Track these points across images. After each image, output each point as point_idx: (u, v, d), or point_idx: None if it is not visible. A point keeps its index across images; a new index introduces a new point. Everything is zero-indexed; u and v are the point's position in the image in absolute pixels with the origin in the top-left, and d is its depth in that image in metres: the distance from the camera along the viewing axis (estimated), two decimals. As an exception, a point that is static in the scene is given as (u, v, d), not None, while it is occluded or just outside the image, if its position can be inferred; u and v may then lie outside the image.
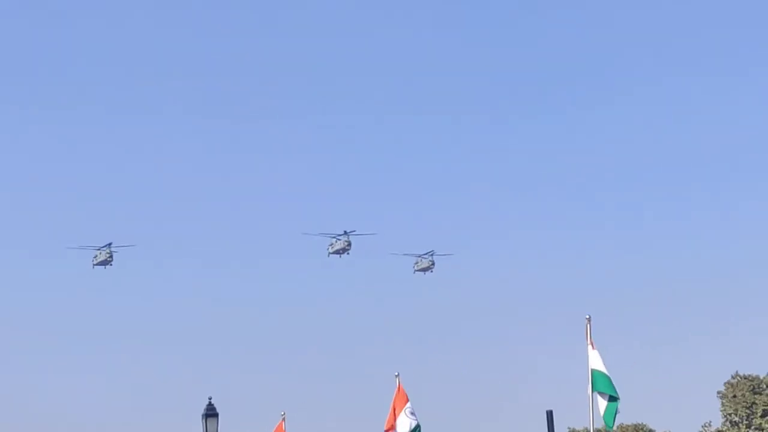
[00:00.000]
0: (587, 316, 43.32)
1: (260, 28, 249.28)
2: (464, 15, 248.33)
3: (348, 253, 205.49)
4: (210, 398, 59.50)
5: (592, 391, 42.48)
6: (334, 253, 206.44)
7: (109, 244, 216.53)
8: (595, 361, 42.43)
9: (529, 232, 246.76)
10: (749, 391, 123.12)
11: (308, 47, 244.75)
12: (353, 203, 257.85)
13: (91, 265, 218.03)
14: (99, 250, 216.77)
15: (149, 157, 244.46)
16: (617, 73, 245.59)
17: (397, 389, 49.87)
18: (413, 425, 49.66)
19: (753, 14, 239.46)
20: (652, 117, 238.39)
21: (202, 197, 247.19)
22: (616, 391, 42.09)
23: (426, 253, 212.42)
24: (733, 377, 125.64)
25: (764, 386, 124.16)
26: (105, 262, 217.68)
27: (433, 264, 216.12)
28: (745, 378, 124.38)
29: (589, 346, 42.81)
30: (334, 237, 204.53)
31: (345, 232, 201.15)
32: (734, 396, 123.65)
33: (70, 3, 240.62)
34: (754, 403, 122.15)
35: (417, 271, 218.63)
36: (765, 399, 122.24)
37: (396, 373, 50.89)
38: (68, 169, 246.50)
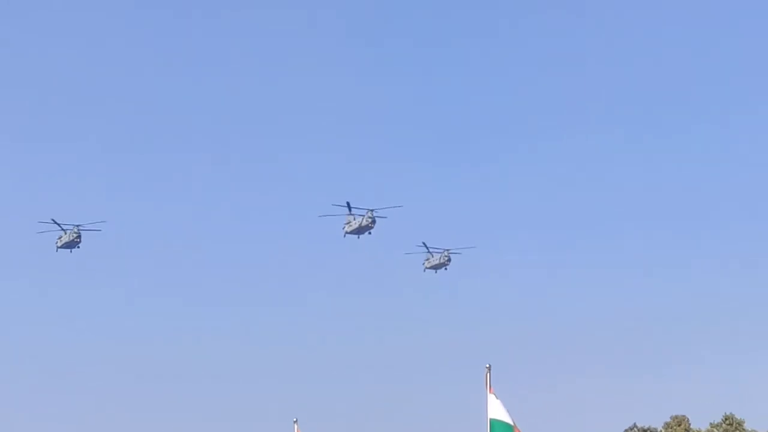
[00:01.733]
0: (487, 365, 41.62)
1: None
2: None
3: (370, 233, 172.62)
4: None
5: None
6: (351, 233, 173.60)
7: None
8: (495, 409, 41.39)
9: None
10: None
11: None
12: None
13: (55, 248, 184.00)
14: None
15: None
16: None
17: None
18: None
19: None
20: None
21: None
22: None
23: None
24: (630, 428, 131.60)
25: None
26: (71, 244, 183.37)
27: (449, 260, 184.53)
28: (643, 430, 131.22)
29: (491, 395, 41.55)
30: (352, 214, 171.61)
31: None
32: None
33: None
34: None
35: (428, 269, 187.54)
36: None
37: (294, 419, 54.97)
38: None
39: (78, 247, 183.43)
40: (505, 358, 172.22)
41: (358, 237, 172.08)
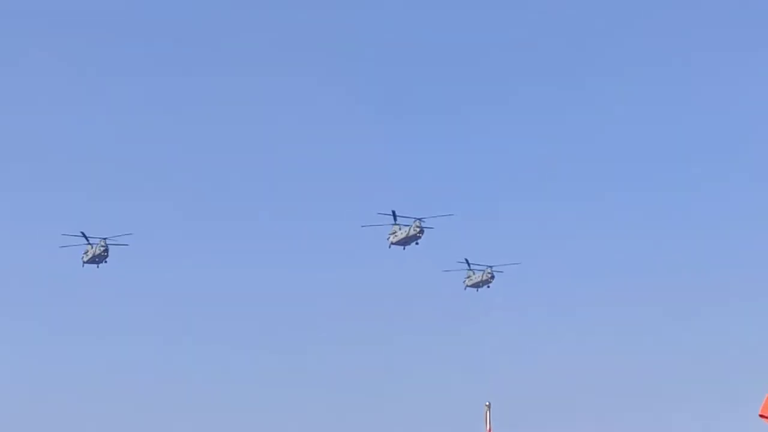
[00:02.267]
0: (487, 403, 42.66)
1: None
2: None
3: (417, 243, 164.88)
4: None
5: None
6: (397, 243, 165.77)
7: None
8: None
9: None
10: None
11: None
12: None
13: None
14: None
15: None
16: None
17: None
18: None
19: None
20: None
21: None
22: None
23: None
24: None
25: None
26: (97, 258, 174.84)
27: (492, 278, 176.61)
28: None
29: None
30: (398, 224, 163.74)
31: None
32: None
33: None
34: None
35: (469, 287, 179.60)
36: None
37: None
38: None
39: (105, 261, 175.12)
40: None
41: (404, 248, 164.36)
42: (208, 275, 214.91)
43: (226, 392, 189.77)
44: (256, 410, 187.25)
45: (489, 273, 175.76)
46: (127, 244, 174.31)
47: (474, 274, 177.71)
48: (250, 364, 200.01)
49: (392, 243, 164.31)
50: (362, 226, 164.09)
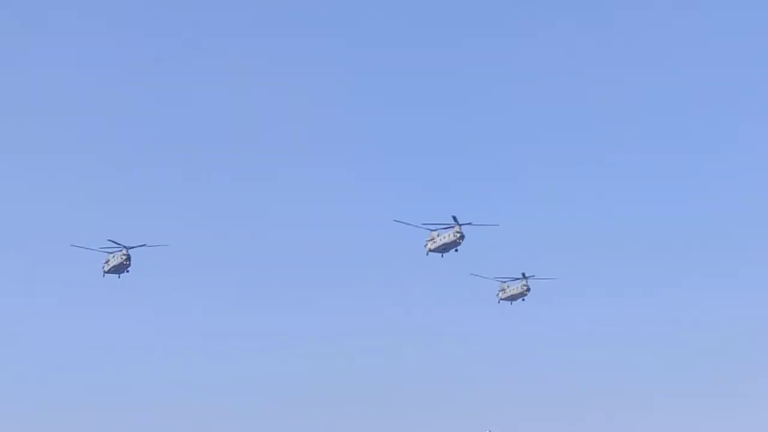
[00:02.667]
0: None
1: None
2: None
3: (456, 250, 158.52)
4: None
5: None
6: (435, 250, 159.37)
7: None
8: None
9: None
10: None
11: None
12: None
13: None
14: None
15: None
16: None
17: None
18: None
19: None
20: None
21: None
22: None
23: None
24: None
25: None
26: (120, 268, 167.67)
27: (527, 290, 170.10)
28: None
29: None
30: (436, 228, 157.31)
31: (455, 220, 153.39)
32: None
33: None
34: None
35: (503, 300, 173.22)
36: None
37: None
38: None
39: (127, 271, 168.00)
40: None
41: (442, 255, 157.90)
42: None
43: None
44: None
45: (525, 286, 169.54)
46: (144, 244, 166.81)
47: (508, 286, 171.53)
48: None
49: (430, 250, 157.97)
50: (395, 220, 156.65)
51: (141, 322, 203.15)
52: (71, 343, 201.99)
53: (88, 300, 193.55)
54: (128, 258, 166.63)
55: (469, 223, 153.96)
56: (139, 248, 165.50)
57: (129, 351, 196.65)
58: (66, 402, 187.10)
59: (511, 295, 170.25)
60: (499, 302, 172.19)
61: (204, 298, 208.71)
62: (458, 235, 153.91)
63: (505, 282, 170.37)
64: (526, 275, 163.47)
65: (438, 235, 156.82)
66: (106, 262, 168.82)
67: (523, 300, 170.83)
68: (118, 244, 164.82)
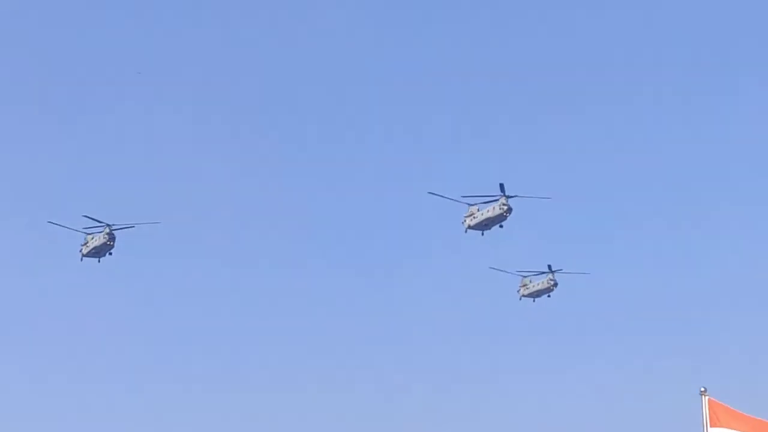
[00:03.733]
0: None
1: None
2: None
3: (501, 226, 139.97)
4: None
5: None
6: (475, 227, 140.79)
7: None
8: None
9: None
10: None
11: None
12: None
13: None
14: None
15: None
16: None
17: None
18: None
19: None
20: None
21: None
22: None
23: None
24: None
25: None
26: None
27: (555, 284, 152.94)
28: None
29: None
30: (476, 204, 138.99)
31: (502, 190, 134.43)
32: None
33: None
34: None
35: (525, 296, 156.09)
36: None
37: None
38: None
39: (110, 254, 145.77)
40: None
41: (482, 233, 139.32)
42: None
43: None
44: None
45: (551, 280, 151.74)
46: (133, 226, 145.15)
47: (531, 282, 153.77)
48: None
49: (470, 227, 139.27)
50: (429, 193, 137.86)
51: (124, 314, 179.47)
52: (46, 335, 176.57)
53: (63, 288, 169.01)
54: (112, 238, 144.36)
55: (508, 196, 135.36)
56: (126, 229, 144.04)
57: (110, 346, 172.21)
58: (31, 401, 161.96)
59: (534, 291, 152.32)
60: (520, 299, 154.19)
61: (200, 285, 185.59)
62: (505, 207, 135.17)
63: (527, 276, 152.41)
64: (553, 268, 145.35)
65: (478, 210, 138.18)
66: (85, 244, 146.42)
67: (549, 296, 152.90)
68: (99, 221, 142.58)
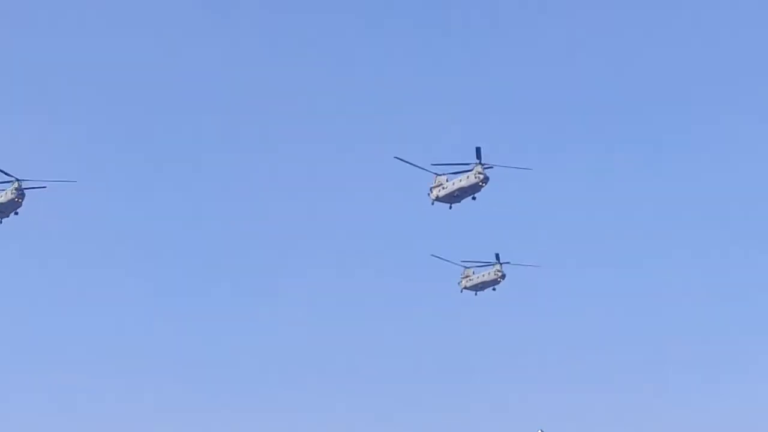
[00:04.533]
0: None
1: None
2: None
3: (474, 198, 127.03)
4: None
5: None
6: (443, 199, 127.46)
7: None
8: None
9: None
10: None
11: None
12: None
13: None
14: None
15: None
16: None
17: None
18: None
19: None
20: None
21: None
22: None
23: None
24: None
25: None
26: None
27: (502, 277, 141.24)
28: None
29: None
30: (444, 174, 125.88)
31: (478, 155, 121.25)
32: None
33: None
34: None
35: (465, 289, 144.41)
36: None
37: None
38: None
39: (16, 213, 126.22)
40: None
41: (450, 207, 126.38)
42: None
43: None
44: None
45: (498, 272, 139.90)
46: (44, 187, 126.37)
47: (473, 273, 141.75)
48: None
49: (437, 198, 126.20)
50: (395, 157, 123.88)
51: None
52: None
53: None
54: (21, 194, 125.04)
55: (484, 165, 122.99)
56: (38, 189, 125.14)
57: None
58: None
59: (477, 284, 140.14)
60: (461, 291, 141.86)
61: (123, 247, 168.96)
62: (480, 176, 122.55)
63: (469, 268, 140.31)
64: (501, 260, 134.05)
65: (447, 181, 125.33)
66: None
67: (494, 290, 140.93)
68: (8, 174, 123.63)
